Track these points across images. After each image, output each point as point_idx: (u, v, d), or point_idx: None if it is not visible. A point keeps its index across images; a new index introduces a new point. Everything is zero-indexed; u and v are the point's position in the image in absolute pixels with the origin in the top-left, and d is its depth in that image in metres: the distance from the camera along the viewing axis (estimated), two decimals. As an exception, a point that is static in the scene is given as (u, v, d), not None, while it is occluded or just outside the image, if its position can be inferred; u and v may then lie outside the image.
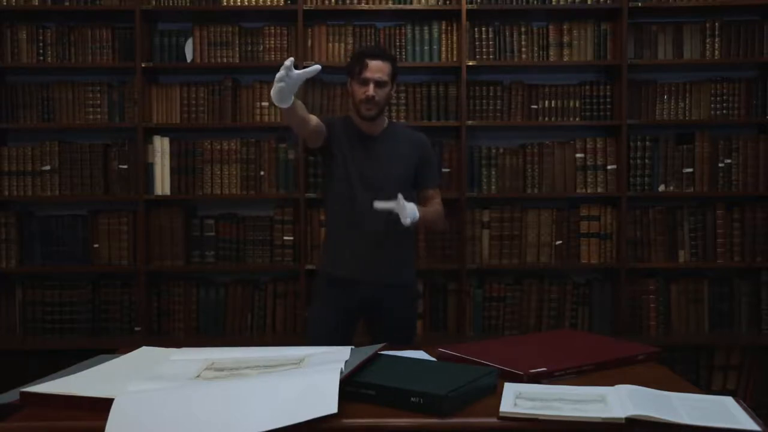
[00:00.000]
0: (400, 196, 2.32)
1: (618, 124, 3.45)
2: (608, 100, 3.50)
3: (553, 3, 3.44)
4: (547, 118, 3.51)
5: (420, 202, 2.61)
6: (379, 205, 2.34)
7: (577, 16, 3.50)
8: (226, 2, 3.42)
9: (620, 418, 1.42)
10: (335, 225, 2.59)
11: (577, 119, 3.51)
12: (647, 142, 3.48)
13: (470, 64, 3.42)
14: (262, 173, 3.49)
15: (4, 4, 3.43)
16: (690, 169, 3.50)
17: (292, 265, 3.47)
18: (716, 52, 3.49)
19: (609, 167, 3.49)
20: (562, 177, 3.51)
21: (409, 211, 2.31)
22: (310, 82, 3.51)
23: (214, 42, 3.48)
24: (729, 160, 3.50)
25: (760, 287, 3.53)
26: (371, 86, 2.45)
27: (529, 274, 3.55)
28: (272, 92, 2.19)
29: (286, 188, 3.49)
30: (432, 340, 3.36)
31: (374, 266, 2.51)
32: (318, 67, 2.20)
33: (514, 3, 3.43)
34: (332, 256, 2.58)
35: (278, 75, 2.13)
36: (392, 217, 2.35)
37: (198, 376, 1.62)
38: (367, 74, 2.45)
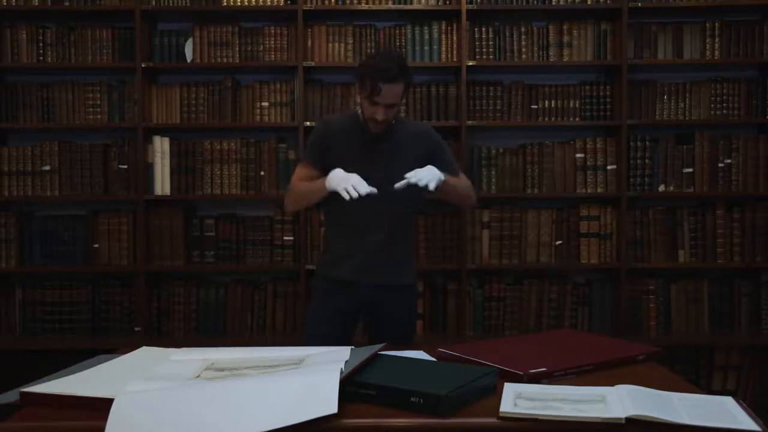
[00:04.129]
0: (410, 174, 2.28)
1: (618, 124, 3.45)
2: (608, 100, 3.50)
3: (553, 3, 3.44)
4: (547, 118, 3.51)
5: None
6: (398, 185, 2.29)
7: (577, 16, 3.50)
8: (226, 2, 3.42)
9: (620, 418, 1.42)
10: (336, 227, 2.56)
11: (577, 119, 3.51)
12: (647, 142, 3.48)
13: (470, 64, 3.42)
14: (262, 173, 3.49)
15: (4, 4, 3.43)
16: (690, 169, 3.50)
17: (292, 265, 3.47)
18: (716, 52, 3.49)
19: (609, 167, 3.49)
20: (562, 177, 3.51)
21: (424, 174, 2.28)
22: (310, 83, 3.52)
23: (214, 42, 3.48)
24: (729, 160, 3.50)
25: (760, 287, 3.53)
26: (381, 110, 2.37)
27: (529, 274, 3.55)
28: (337, 180, 2.29)
29: (286, 188, 3.47)
30: (432, 340, 3.36)
31: (375, 268, 2.48)
32: (375, 191, 2.27)
33: (514, 3, 3.43)
34: (333, 258, 2.55)
35: (361, 189, 2.25)
36: (413, 189, 2.31)
37: (198, 376, 1.62)
38: (379, 99, 2.35)
